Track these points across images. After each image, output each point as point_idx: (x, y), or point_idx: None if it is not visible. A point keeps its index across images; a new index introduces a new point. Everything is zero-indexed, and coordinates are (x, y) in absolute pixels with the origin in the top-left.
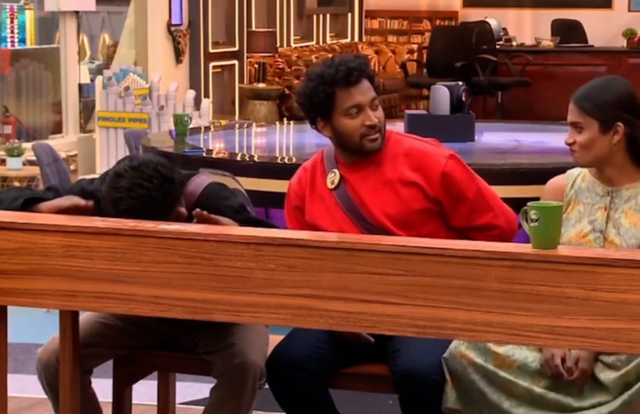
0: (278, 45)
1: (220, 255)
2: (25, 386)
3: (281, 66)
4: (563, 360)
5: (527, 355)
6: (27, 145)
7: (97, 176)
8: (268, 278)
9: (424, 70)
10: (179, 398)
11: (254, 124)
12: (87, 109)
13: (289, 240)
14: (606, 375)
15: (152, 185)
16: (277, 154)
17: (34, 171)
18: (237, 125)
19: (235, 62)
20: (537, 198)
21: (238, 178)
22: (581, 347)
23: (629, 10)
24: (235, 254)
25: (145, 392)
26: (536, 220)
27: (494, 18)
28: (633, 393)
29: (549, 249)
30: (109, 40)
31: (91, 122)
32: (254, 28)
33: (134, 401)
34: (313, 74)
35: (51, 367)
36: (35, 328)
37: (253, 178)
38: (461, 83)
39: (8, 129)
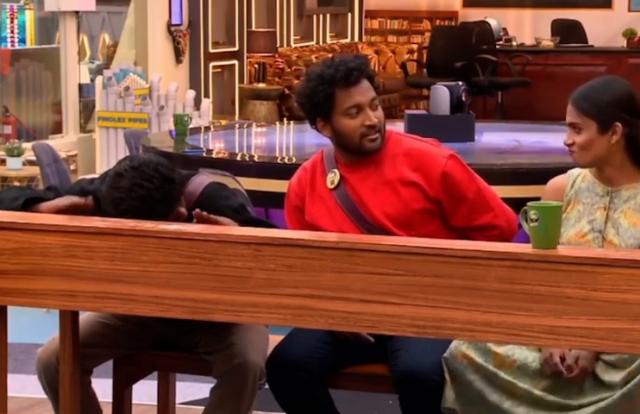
0: (278, 45)
1: (220, 255)
2: (25, 386)
3: (281, 66)
4: (562, 359)
5: (527, 356)
6: (27, 145)
7: (97, 176)
8: (268, 278)
9: (424, 70)
10: (179, 398)
11: (254, 124)
12: (87, 109)
13: (289, 240)
14: (610, 376)
15: (152, 185)
16: (277, 154)
17: (34, 171)
18: (237, 125)
19: (235, 62)
20: (537, 198)
21: (238, 178)
22: (581, 347)
23: (629, 10)
24: (235, 254)
25: (145, 391)
26: (536, 220)
27: (494, 18)
28: (633, 386)
29: (548, 249)
30: (109, 40)
31: (91, 122)
32: (254, 28)
33: (134, 401)
34: (313, 74)
35: (51, 367)
36: (35, 328)
37: (253, 178)
38: (461, 83)
39: (8, 129)
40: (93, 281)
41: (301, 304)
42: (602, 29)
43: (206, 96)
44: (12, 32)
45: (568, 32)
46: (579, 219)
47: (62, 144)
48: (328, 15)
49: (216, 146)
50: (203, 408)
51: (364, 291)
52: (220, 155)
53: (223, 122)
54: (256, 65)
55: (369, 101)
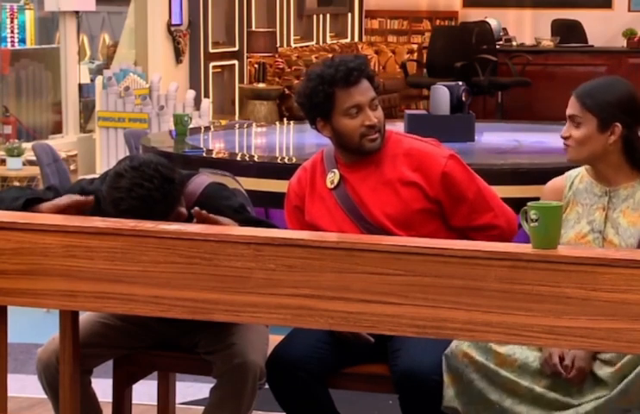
0: (278, 45)
1: (220, 255)
2: (25, 386)
3: (281, 66)
4: (562, 359)
5: (528, 355)
6: (27, 145)
7: (97, 176)
8: (268, 278)
9: (424, 70)
10: (179, 398)
11: (254, 124)
12: (87, 109)
13: (289, 240)
14: (604, 371)
15: (152, 185)
16: (277, 154)
17: (34, 171)
18: (237, 125)
19: (235, 62)
20: (537, 198)
21: (238, 178)
22: (581, 347)
23: (629, 10)
24: (235, 254)
25: (145, 391)
26: (536, 220)
27: (494, 18)
28: (629, 382)
29: (548, 249)
30: (109, 40)
31: (91, 122)
32: (254, 28)
33: (134, 401)
34: (313, 74)
35: (51, 367)
36: (35, 328)
37: (253, 178)
38: (461, 83)
39: (8, 129)
40: (93, 281)
41: (301, 304)
42: (602, 29)
43: (206, 96)
44: (12, 32)
45: (568, 32)
46: (578, 220)
47: (62, 144)
48: (328, 15)
49: (216, 146)
50: (203, 408)
51: (364, 291)
52: (220, 155)
53: (223, 122)
54: (256, 65)
55: (369, 101)
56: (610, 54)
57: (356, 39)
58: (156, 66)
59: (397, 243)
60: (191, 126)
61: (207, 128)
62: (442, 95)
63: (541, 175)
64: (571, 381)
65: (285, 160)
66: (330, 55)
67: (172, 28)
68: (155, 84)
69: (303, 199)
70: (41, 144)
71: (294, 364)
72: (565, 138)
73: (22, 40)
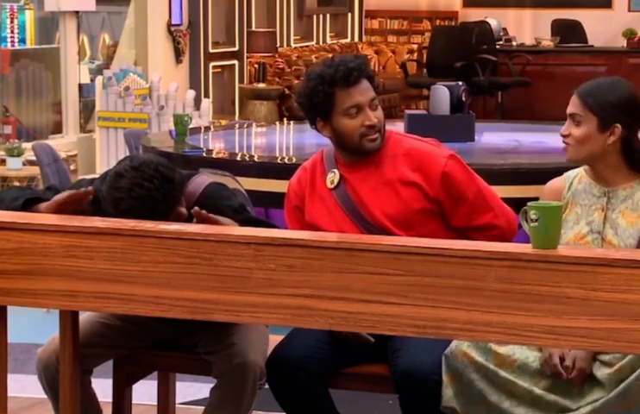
0: (278, 45)
1: (220, 255)
2: (25, 386)
3: (281, 66)
4: (562, 360)
5: (528, 355)
6: (27, 145)
7: (97, 176)
8: (268, 278)
9: (424, 70)
10: (179, 398)
11: (254, 124)
12: (87, 109)
13: (289, 240)
14: (602, 372)
15: (152, 185)
16: (277, 154)
17: (34, 171)
18: (237, 125)
19: (235, 62)
20: (537, 198)
21: (238, 178)
22: (581, 347)
23: (629, 10)
24: (235, 254)
25: (145, 391)
26: (536, 220)
27: (494, 18)
28: (628, 385)
29: (548, 249)
30: (109, 40)
31: (91, 122)
32: (254, 28)
33: (134, 401)
34: (313, 74)
35: (51, 367)
36: (35, 328)
37: (253, 178)
38: (461, 83)
39: (8, 129)
40: (93, 281)
41: (301, 304)
42: (602, 29)
43: (206, 96)
44: (12, 32)
45: (568, 32)
46: (577, 221)
47: (62, 144)
48: (328, 15)
49: (216, 146)
50: (203, 408)
51: (364, 291)
52: (220, 155)
53: (223, 122)
54: (256, 65)
55: (369, 101)
56: (610, 54)
57: (356, 39)
58: (156, 66)
59: (397, 243)
60: (191, 126)
61: (207, 128)
62: (442, 95)
63: (541, 175)
64: (572, 382)
65: (285, 160)
66: (330, 55)
67: (172, 28)
68: (155, 84)
69: (303, 199)
70: (41, 144)
71: (294, 364)
72: (564, 136)
73: (22, 40)
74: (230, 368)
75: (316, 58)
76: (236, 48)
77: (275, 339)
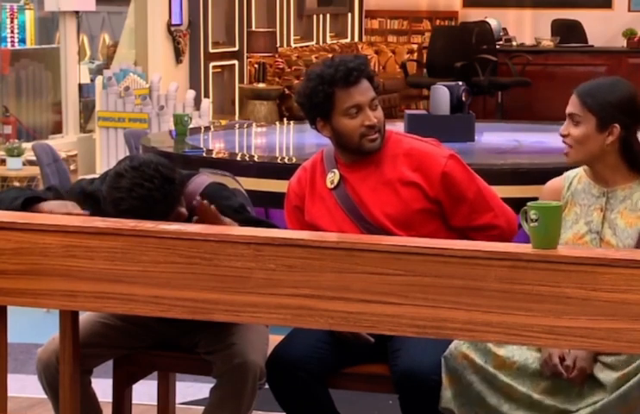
0: (278, 45)
1: (220, 255)
2: (25, 386)
3: (281, 66)
4: (562, 360)
5: (527, 356)
6: (27, 145)
7: (97, 176)
8: (268, 278)
9: (424, 70)
10: (179, 398)
11: (254, 124)
12: (87, 109)
13: (289, 240)
14: (606, 375)
15: (152, 185)
16: (277, 154)
17: (34, 171)
18: (237, 125)
19: (235, 62)
20: (537, 198)
21: (238, 178)
22: (581, 347)
23: (629, 10)
24: (235, 254)
25: (145, 391)
26: (536, 220)
27: (494, 18)
28: (629, 388)
29: (548, 249)
30: (109, 40)
31: (91, 122)
32: (254, 28)
33: (134, 401)
34: (313, 74)
35: (51, 367)
36: (35, 328)
37: (253, 178)
38: (461, 83)
39: (8, 129)
40: (93, 281)
41: (301, 304)
42: (602, 29)
43: (206, 96)
44: (12, 32)
45: (568, 32)
46: (576, 221)
47: (62, 144)
48: (328, 15)
49: (216, 146)
50: (203, 408)
51: (364, 291)
52: (220, 155)
53: (223, 122)
54: (256, 65)
55: (369, 101)
56: (610, 54)
57: (356, 39)
58: (156, 66)
59: (397, 243)
60: (191, 126)
61: (207, 128)
62: (442, 95)
63: (541, 175)
64: (572, 382)
65: (285, 160)
66: (330, 55)
67: (172, 28)
68: (155, 84)
69: (303, 199)
70: (41, 144)
71: (294, 364)
72: (563, 136)
73: (22, 40)
74: (230, 368)
75: (316, 58)
76: (236, 48)
77: (275, 339)
